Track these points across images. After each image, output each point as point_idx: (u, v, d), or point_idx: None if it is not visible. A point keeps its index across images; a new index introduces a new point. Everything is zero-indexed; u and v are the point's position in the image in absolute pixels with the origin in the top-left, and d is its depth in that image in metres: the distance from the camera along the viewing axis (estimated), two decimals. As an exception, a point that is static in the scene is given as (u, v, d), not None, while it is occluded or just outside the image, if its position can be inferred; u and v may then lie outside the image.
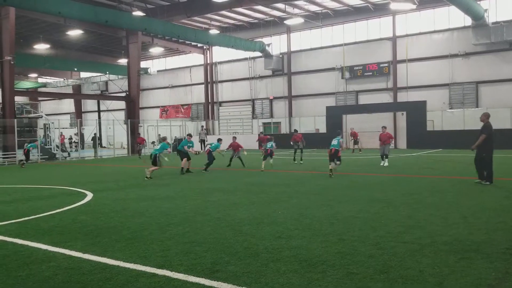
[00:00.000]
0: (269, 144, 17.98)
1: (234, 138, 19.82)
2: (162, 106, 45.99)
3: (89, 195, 11.20)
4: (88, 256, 5.59)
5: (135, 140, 30.13)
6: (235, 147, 19.04)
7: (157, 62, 46.60)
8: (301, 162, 20.67)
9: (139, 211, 8.83)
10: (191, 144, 17.79)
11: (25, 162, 23.85)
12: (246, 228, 6.96)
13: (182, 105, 44.86)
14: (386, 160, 18.27)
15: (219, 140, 18.89)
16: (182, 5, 30.44)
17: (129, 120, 33.01)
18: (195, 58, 43.89)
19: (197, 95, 44.18)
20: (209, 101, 43.28)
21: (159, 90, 46.70)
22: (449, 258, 5.17)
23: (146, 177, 14.97)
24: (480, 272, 4.67)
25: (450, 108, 30.58)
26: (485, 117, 11.78)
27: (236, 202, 9.60)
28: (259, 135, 29.05)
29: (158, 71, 44.52)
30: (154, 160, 15.59)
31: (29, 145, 25.11)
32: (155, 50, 40.87)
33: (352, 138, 29.19)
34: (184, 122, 39.96)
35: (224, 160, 19.62)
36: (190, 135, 18.66)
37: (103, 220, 8.00)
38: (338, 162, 14.83)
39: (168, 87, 46.00)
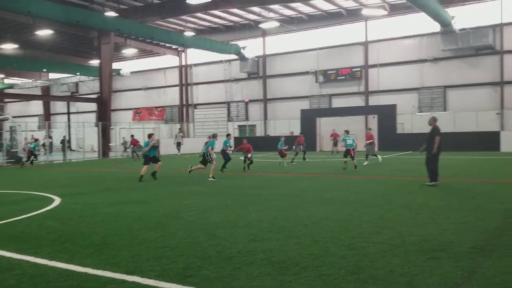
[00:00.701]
0: (350, 141, 18.22)
1: (245, 140, 19.20)
2: (135, 108, 45.43)
3: (57, 200, 10.92)
4: (55, 263, 5.43)
5: (129, 142, 29.78)
6: (245, 149, 18.67)
7: (130, 63, 46.00)
8: (306, 160, 22.74)
9: (109, 216, 8.69)
10: (229, 144, 17.93)
11: None
12: (220, 232, 6.95)
13: (156, 107, 44.45)
14: (369, 160, 19.90)
15: (228, 135, 19.06)
16: (157, 6, 30.20)
17: (100, 122, 32.45)
18: (169, 59, 43.55)
19: (172, 97, 43.84)
20: (184, 103, 43.02)
21: (132, 92, 46.14)
22: (418, 258, 5.30)
23: (190, 171, 15.79)
24: (448, 271, 4.81)
25: (419, 112, 31.29)
26: (433, 120, 12.22)
27: (211, 205, 9.57)
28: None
29: (131, 72, 43.98)
30: (204, 159, 15.48)
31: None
32: (128, 51, 40.38)
33: (332, 139, 29.47)
34: (158, 124, 39.57)
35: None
36: (229, 135, 19.07)
37: (72, 225, 7.82)
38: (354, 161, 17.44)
39: (141, 89, 45.49)
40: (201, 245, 6.14)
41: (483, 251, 5.57)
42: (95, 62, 39.26)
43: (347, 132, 19.21)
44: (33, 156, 24.92)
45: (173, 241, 6.41)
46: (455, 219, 7.55)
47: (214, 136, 16.42)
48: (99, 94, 34.65)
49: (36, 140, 28.75)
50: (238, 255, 5.56)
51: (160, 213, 8.86)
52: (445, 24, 28.28)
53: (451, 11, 28.73)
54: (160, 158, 16.38)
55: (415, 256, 5.38)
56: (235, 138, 37.72)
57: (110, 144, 33.32)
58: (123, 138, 33.69)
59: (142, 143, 25.99)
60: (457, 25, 28.88)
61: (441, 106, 31.01)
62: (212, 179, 14.74)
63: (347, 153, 17.90)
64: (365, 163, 19.56)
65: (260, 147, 33.90)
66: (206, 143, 16.42)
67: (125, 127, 37.32)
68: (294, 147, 22.89)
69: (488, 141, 27.48)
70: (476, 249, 5.61)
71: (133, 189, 12.92)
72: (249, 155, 18.09)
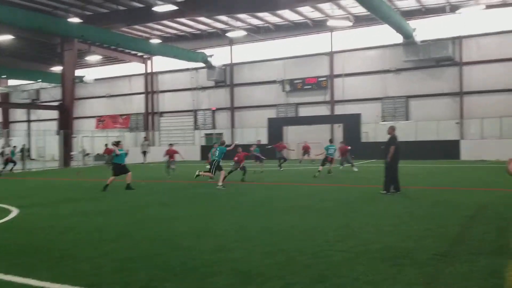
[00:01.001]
0: (331, 150, 18.97)
1: (240, 148, 18.64)
2: (98, 116, 44.40)
3: (14, 211, 10.44)
4: (11, 277, 5.19)
5: (104, 152, 28.98)
6: (343, 151, 19.88)
7: (94, 70, 45.03)
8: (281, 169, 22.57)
9: (69, 227, 8.38)
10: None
11: None
12: (185, 242, 6.83)
13: (121, 115, 43.62)
14: (345, 166, 21.13)
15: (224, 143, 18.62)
16: (122, 13, 29.76)
17: (61, 130, 31.53)
18: (135, 67, 42.93)
19: (137, 105, 43.18)
20: (149, 111, 42.45)
21: (96, 99, 45.16)
22: (382, 265, 5.36)
23: (197, 175, 15.67)
24: (410, 278, 4.87)
25: (383, 121, 31.97)
26: (391, 130, 12.52)
27: (176, 216, 9.41)
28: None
29: (95, 79, 43.07)
30: (216, 166, 15.15)
31: None
32: (93, 58, 39.54)
33: (303, 150, 29.84)
34: (122, 132, 38.83)
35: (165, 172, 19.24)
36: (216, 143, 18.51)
37: (29, 238, 7.50)
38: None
39: (105, 97, 44.59)
40: (164, 256, 6.01)
41: (445, 257, 5.69)
42: (57, 69, 38.23)
43: (330, 141, 20.75)
44: (12, 164, 24.86)
45: (136, 253, 6.24)
46: (417, 226, 7.69)
47: (223, 143, 16.16)
48: (61, 102, 33.69)
49: (14, 147, 28.02)
50: (203, 266, 5.47)
51: (122, 224, 8.64)
52: (407, 36, 29.13)
53: (413, 23, 29.62)
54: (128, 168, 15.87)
55: (379, 263, 5.44)
56: (202, 147, 37.57)
57: (71, 153, 32.42)
58: (81, 146, 32.89)
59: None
60: (418, 37, 29.79)
61: (404, 116, 31.82)
62: (221, 187, 14.41)
63: (325, 161, 18.51)
64: (341, 168, 21.00)
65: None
66: (214, 150, 16.07)
67: (87, 135, 36.44)
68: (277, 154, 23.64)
69: (448, 149, 28.35)
70: (437, 256, 5.72)
71: (95, 199, 12.56)
72: (241, 165, 17.03)
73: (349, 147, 21.79)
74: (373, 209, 9.75)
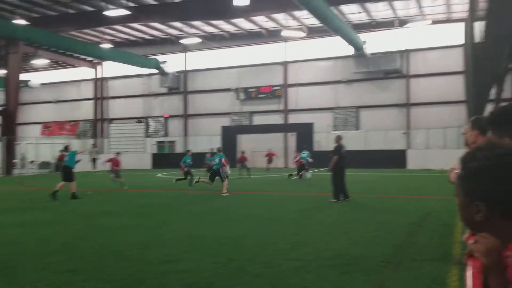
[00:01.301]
0: (305, 155, 19.76)
1: (242, 152, 19.29)
2: (44, 122, 42.58)
3: (-49, 221, 9.83)
4: None
5: (58, 158, 27.56)
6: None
7: (41, 74, 43.21)
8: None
9: (9, 239, 7.91)
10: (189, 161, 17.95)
11: None
12: (132, 253, 6.61)
13: (68, 122, 42.05)
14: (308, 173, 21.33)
15: (188, 151, 19.11)
16: (72, 16, 28.82)
17: (4, 137, 29.98)
18: (84, 72, 41.61)
19: (85, 111, 41.81)
20: (99, 117, 41.22)
21: (42, 104, 43.29)
22: (331, 272, 5.41)
23: (196, 182, 16.17)
24: (359, 284, 4.94)
25: (334, 130, 32.61)
26: (337, 139, 12.87)
27: (123, 226, 9.11)
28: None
29: (41, 84, 41.31)
30: (215, 174, 15.22)
31: None
32: (39, 61, 37.96)
33: (268, 158, 30.00)
34: (70, 139, 37.41)
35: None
36: (189, 151, 18.94)
37: (-34, 249, 7.05)
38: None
39: (52, 102, 42.85)
40: (111, 268, 5.79)
41: (391, 263, 5.82)
42: (1, 72, 36.40)
43: (304, 147, 21.96)
44: None
45: (81, 265, 5.98)
46: (366, 233, 7.85)
47: (220, 150, 16.38)
48: (4, 107, 32.06)
49: None
50: (151, 277, 5.31)
51: (67, 234, 8.27)
52: (358, 48, 30.02)
53: (364, 36, 30.59)
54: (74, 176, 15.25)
55: (329, 271, 5.48)
56: (154, 155, 36.88)
57: (14, 161, 30.90)
58: (22, 153, 31.46)
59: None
60: (368, 49, 30.80)
61: (354, 125, 32.68)
62: (226, 194, 14.33)
63: (302, 167, 19.66)
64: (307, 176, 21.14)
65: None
66: (208, 156, 16.37)
67: (32, 142, 34.91)
68: (238, 165, 23.69)
69: (396, 158, 29.31)
70: (385, 262, 5.85)
71: (39, 209, 11.98)
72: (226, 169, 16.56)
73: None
74: (324, 216, 9.87)
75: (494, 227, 1.27)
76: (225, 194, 14.44)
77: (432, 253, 6.40)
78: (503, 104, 2.15)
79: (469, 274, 1.23)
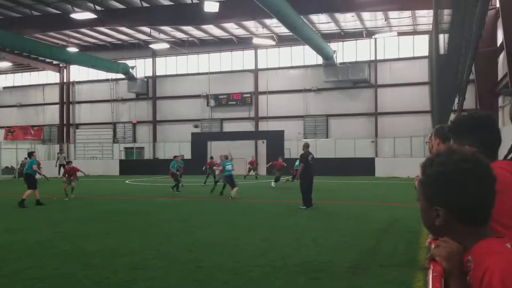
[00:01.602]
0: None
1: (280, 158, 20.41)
2: (7, 127, 41.23)
3: None
4: None
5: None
6: (278, 167, 19.32)
7: (3, 77, 41.92)
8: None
9: (-31, 246, 7.64)
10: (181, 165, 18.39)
11: None
12: (98, 261, 6.47)
13: (32, 126, 40.84)
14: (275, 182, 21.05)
15: (176, 157, 19.11)
16: (37, 18, 28.12)
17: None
18: (49, 75, 40.59)
19: (51, 116, 40.72)
20: (65, 122, 40.23)
21: (5, 108, 41.86)
22: (299, 279, 5.44)
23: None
24: (326, 291, 4.98)
25: (304, 138, 32.97)
26: (304, 147, 13.05)
27: (89, 233, 8.91)
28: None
29: (4, 87, 40.00)
30: (231, 179, 15.43)
31: None
32: (2, 64, 36.82)
33: (249, 166, 29.95)
34: (34, 145, 36.36)
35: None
36: (177, 156, 19.08)
37: None
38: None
39: (15, 106, 41.53)
40: (76, 276, 5.65)
41: (359, 269, 5.90)
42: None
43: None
44: None
45: (45, 272, 5.81)
46: (334, 239, 7.95)
47: (227, 157, 16.50)
48: (-36, 110, 30.95)
49: None
50: (117, 285, 5.21)
51: (31, 241, 8.01)
52: (327, 58, 30.50)
53: (333, 45, 31.10)
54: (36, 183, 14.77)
55: (297, 277, 5.51)
56: (122, 161, 36.25)
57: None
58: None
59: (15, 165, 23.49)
60: (338, 59, 31.34)
61: (324, 133, 33.10)
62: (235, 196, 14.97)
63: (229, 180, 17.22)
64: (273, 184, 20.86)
65: (149, 171, 32.95)
66: (218, 164, 16.80)
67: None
68: (204, 169, 22.40)
69: (364, 166, 29.83)
70: (352, 268, 5.92)
71: (1, 216, 11.57)
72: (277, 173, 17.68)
73: (285, 164, 22.60)
74: (293, 223, 9.93)
75: (453, 232, 1.30)
76: (234, 196, 15.08)
77: (399, 259, 6.53)
78: (464, 113, 2.24)
79: (430, 278, 1.27)
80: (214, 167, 19.05)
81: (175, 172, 18.27)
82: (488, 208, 1.31)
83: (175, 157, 19.38)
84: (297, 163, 20.04)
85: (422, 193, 1.38)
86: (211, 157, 23.85)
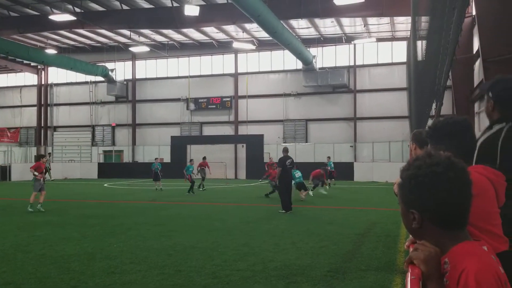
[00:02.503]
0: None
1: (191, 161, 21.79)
2: (-17, 129, 40.31)
3: None
4: None
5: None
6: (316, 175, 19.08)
7: (-21, 78, 41.00)
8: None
9: None
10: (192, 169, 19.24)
11: None
12: (75, 265, 6.36)
13: (9, 129, 39.97)
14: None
15: (191, 161, 20.47)
16: (14, 19, 27.59)
17: None
18: (27, 77, 39.86)
19: (28, 118, 39.96)
20: (42, 125, 39.50)
21: (-20, 110, 41.00)
22: (278, 283, 5.44)
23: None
24: (306, 294, 5.00)
25: (284, 142, 33.09)
26: (283, 151, 13.15)
27: (66, 237, 8.75)
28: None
29: (-21, 89, 39.16)
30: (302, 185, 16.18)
31: None
32: (-23, 65, 36.03)
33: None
34: (10, 147, 35.56)
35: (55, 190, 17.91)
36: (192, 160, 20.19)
37: None
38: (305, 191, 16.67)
39: (-9, 108, 40.68)
40: (52, 280, 5.54)
41: (337, 273, 5.94)
42: None
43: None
44: None
45: (20, 277, 5.69)
46: (314, 243, 7.98)
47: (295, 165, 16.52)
48: None
49: None
50: (94, 291, 5.12)
51: (5, 245, 7.83)
52: (307, 63, 30.73)
53: (313, 51, 31.35)
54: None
55: (276, 281, 5.51)
56: (100, 164, 35.76)
57: None
58: None
59: None
60: (317, 64, 31.61)
61: (303, 138, 33.28)
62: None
63: (300, 186, 16.68)
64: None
65: (128, 174, 32.59)
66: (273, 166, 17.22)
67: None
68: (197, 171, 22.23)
69: (343, 171, 30.01)
70: (331, 272, 5.96)
71: (-27, 220, 11.27)
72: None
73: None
74: (272, 227, 9.95)
75: (430, 235, 1.31)
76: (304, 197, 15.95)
77: (377, 262, 6.59)
78: (441, 118, 2.28)
79: (408, 281, 1.28)
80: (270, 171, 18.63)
81: (191, 175, 19.79)
82: (463, 212, 1.32)
83: (190, 160, 20.99)
84: (298, 175, 18.56)
85: (400, 196, 1.40)
86: (191, 160, 23.58)
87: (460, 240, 1.29)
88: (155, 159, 24.35)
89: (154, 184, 21.80)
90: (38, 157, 14.39)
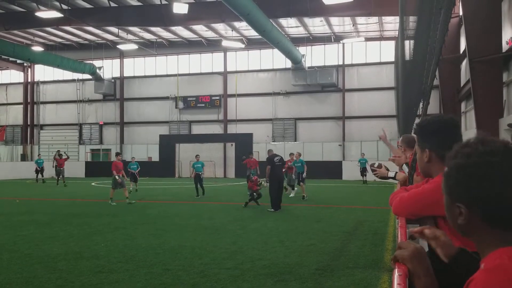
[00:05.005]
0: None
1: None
2: (-33, 127, 39.74)
3: None
4: None
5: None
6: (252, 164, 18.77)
7: (-37, 76, 40.38)
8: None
9: None
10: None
11: None
12: (62, 264, 6.30)
13: (-6, 127, 39.49)
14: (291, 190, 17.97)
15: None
16: (0, 16, 27.20)
17: None
18: (13, 75, 39.34)
19: (14, 116, 39.45)
20: (29, 123, 39.04)
21: (-35, 108, 40.39)
22: (267, 281, 5.45)
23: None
24: (294, 292, 5.01)
25: (273, 141, 33.14)
26: (269, 152, 13.23)
27: (52, 236, 8.67)
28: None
29: (-36, 86, 38.58)
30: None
31: None
32: (-38, 62, 35.48)
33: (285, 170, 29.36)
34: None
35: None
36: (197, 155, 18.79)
37: None
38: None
39: (-24, 106, 40.10)
40: (39, 280, 5.49)
41: (325, 271, 5.97)
42: None
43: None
44: None
45: (5, 277, 5.62)
46: (302, 242, 8.01)
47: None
48: None
49: None
50: (81, 290, 5.08)
51: (-11, 246, 7.73)
52: (296, 62, 30.78)
53: (301, 50, 31.40)
54: None
55: (264, 279, 5.52)
56: (88, 163, 35.47)
57: None
58: None
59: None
60: (306, 63, 31.68)
61: (292, 137, 33.34)
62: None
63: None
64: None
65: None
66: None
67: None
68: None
69: (332, 169, 30.21)
70: (319, 270, 5.99)
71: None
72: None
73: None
74: (261, 225, 9.95)
75: (477, 233, 1.15)
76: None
77: (365, 260, 6.64)
78: (427, 117, 2.30)
79: (395, 277, 1.28)
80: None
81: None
82: None
83: (196, 156, 19.46)
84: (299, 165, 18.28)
85: (444, 187, 1.21)
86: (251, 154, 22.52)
87: (509, 243, 1.09)
88: (132, 158, 23.45)
89: (130, 184, 19.38)
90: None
